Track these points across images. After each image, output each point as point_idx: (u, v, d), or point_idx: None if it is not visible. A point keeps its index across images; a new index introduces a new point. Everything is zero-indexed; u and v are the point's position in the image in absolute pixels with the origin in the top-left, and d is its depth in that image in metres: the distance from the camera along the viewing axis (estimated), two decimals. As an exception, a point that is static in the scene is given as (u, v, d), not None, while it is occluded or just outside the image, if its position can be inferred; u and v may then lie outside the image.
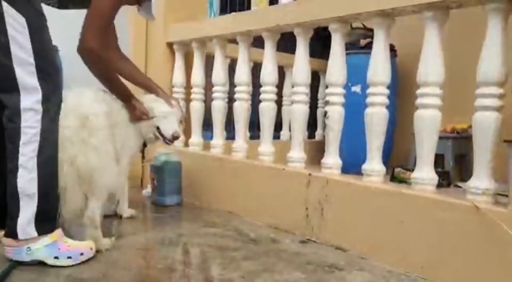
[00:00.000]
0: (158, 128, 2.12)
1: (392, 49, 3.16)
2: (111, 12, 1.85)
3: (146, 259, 1.76)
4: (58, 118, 1.63)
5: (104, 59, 1.86)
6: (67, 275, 1.56)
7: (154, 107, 2.10)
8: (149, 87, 2.18)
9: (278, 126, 3.19)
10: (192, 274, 1.62)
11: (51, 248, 1.61)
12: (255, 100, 2.64)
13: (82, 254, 1.66)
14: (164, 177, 2.41)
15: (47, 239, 1.60)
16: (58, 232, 1.66)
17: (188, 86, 2.96)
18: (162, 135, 2.13)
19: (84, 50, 1.80)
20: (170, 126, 2.12)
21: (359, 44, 3.47)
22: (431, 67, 1.74)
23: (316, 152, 2.76)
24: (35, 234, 1.58)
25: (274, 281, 1.58)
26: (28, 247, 1.58)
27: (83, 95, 1.84)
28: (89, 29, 1.79)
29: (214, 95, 2.75)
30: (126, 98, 2.00)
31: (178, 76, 2.99)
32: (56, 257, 1.61)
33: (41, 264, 1.62)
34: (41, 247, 1.59)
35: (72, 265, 1.62)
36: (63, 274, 1.57)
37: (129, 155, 2.08)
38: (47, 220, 1.62)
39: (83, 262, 1.67)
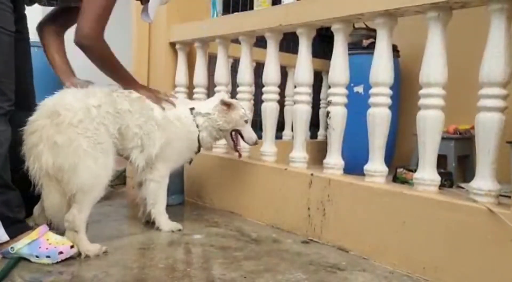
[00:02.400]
0: (233, 132, 2.22)
1: (395, 49, 3.15)
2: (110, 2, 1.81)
3: (148, 258, 1.76)
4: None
5: (105, 46, 1.82)
6: (69, 274, 1.57)
7: (246, 111, 2.23)
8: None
9: (280, 127, 3.20)
10: (194, 273, 1.62)
11: (33, 247, 1.66)
12: (258, 100, 2.64)
13: (61, 252, 1.66)
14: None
15: (27, 239, 1.66)
16: (40, 230, 1.71)
17: (190, 86, 2.97)
18: (233, 140, 2.24)
19: (82, 38, 1.75)
20: (252, 131, 2.25)
21: (362, 45, 3.46)
22: (434, 67, 1.73)
23: (318, 152, 2.76)
24: (7, 238, 1.65)
25: (275, 281, 1.58)
26: (12, 247, 1.65)
27: (69, 92, 1.81)
28: (87, 18, 1.75)
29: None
30: (134, 85, 1.98)
31: (181, 76, 2.99)
32: (36, 256, 1.66)
33: (41, 262, 1.64)
34: (23, 246, 1.66)
35: (58, 262, 1.65)
36: (64, 273, 1.57)
37: (172, 164, 2.12)
38: (12, 223, 1.67)
39: (85, 261, 1.68)
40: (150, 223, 2.16)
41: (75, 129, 1.69)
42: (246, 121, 2.23)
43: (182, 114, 2.11)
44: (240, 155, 2.32)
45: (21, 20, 1.86)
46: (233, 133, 2.23)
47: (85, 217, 1.75)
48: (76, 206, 1.72)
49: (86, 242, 1.74)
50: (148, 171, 2.07)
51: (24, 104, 1.84)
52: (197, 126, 2.14)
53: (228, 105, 2.17)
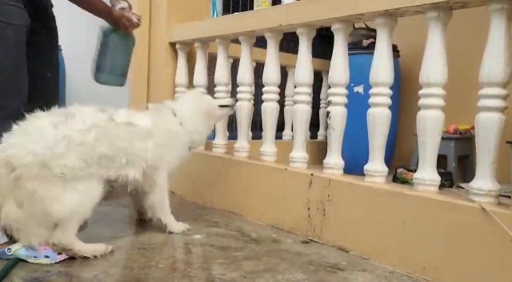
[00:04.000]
0: None
1: (395, 49, 3.15)
2: None
3: (148, 258, 1.76)
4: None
5: None
6: (69, 274, 1.56)
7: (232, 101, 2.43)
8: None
9: (280, 127, 3.20)
10: (194, 273, 1.62)
11: (30, 248, 1.64)
12: (258, 100, 2.64)
13: (60, 253, 1.66)
14: (107, 49, 2.06)
15: None
16: None
17: (190, 86, 2.97)
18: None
19: None
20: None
21: (362, 45, 3.47)
22: (434, 67, 1.73)
23: (318, 152, 2.76)
24: (5, 239, 1.67)
25: (275, 281, 1.58)
26: (9, 248, 1.64)
27: (19, 132, 1.62)
28: None
29: (216, 95, 2.75)
30: (107, 13, 1.91)
31: (181, 76, 3.00)
32: (35, 256, 1.65)
33: (41, 262, 1.64)
34: (20, 248, 1.64)
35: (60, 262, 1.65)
36: (64, 273, 1.57)
37: (169, 167, 2.07)
38: None
39: (84, 261, 1.68)
40: (148, 222, 2.15)
41: (36, 180, 1.56)
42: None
43: (170, 126, 2.08)
44: None
45: (46, 23, 1.83)
46: None
47: (72, 234, 1.66)
48: (59, 229, 1.64)
49: (85, 248, 1.69)
50: (149, 179, 1.98)
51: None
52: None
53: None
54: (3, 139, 1.60)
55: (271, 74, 2.44)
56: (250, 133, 3.13)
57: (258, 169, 2.41)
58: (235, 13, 2.94)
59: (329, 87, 2.18)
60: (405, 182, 2.98)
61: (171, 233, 2.07)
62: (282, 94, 2.92)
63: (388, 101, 1.93)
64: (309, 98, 2.29)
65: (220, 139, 2.75)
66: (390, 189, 1.84)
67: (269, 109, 2.46)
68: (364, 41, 3.47)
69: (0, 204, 1.59)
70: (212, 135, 2.84)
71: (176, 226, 2.11)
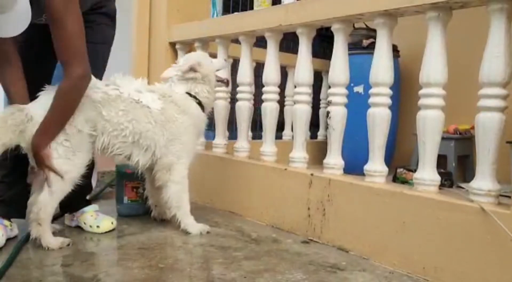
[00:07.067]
0: None
1: (395, 49, 3.15)
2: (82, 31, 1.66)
3: (148, 258, 1.76)
4: None
5: None
6: (69, 274, 1.57)
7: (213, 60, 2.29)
8: None
9: (280, 126, 3.20)
10: (194, 273, 1.62)
11: None
12: (258, 100, 2.64)
13: None
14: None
15: None
16: None
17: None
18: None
19: (80, 79, 1.66)
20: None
21: (362, 45, 3.47)
22: (434, 67, 1.73)
23: (319, 152, 2.76)
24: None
25: (275, 281, 1.58)
26: None
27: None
28: (73, 54, 1.64)
29: (216, 95, 2.74)
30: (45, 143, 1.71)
31: (181, 76, 2.99)
32: None
33: (41, 262, 1.65)
34: None
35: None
36: (64, 273, 1.57)
37: (188, 159, 2.10)
38: None
39: (84, 261, 1.68)
40: (163, 221, 2.21)
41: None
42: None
43: (185, 102, 2.08)
44: None
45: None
46: None
47: (51, 208, 1.75)
48: (43, 198, 1.72)
49: (49, 235, 1.75)
50: (168, 173, 2.04)
51: None
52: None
53: (193, 69, 2.12)
54: None
55: (271, 74, 2.44)
56: (250, 134, 3.13)
57: (258, 169, 2.41)
58: (235, 13, 2.95)
59: (329, 87, 2.18)
60: (405, 182, 2.99)
61: (188, 233, 2.05)
62: (282, 94, 2.92)
63: (388, 101, 1.93)
64: (309, 98, 2.29)
65: (220, 140, 2.75)
66: (390, 189, 1.84)
67: (269, 109, 2.46)
68: (364, 41, 3.47)
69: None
70: (212, 135, 2.85)
71: (194, 226, 2.08)
